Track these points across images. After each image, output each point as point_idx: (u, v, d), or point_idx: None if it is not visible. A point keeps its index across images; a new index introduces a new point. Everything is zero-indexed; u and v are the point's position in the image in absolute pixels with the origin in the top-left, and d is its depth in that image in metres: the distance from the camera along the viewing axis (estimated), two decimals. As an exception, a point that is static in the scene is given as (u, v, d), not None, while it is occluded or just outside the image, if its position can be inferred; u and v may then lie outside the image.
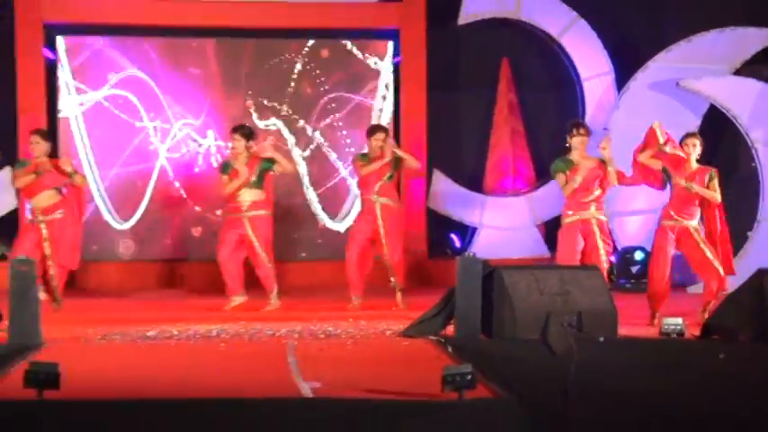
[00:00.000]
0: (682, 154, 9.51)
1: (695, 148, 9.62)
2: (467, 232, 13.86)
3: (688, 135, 9.80)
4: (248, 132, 10.60)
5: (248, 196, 10.39)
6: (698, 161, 9.66)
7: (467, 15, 13.47)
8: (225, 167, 10.56)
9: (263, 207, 10.49)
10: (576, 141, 9.82)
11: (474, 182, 13.94)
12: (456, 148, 14.10)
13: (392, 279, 10.63)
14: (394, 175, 10.68)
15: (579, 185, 9.69)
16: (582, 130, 9.87)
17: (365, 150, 10.87)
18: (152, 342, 8.22)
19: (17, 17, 12.90)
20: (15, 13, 12.89)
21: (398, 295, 10.62)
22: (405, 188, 13.33)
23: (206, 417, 5.47)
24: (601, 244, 9.66)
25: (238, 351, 7.78)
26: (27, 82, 12.94)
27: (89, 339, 8.29)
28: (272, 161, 10.49)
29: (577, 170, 9.67)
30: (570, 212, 9.79)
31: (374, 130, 10.76)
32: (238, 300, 10.48)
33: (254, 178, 10.39)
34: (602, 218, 9.81)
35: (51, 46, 13.21)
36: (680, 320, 8.21)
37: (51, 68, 13.20)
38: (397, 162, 10.54)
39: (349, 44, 13.59)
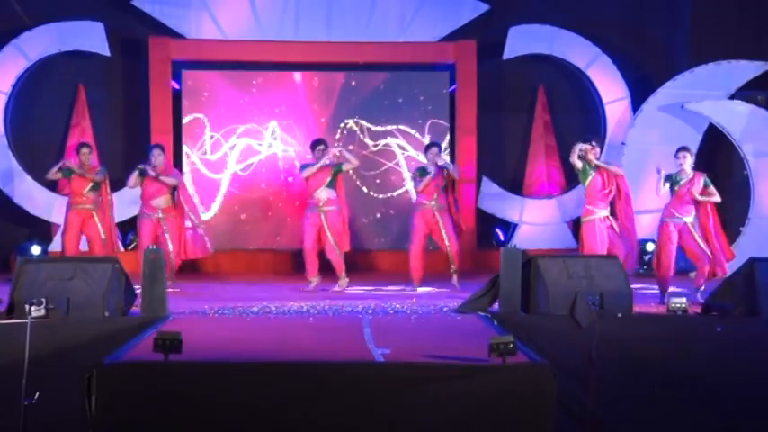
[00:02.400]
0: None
1: (686, 159, 9.61)
2: (509, 227, 13.75)
3: (680, 149, 9.80)
4: (326, 142, 10.68)
5: (324, 195, 10.34)
6: (693, 168, 9.65)
7: (510, 51, 13.37)
8: (305, 168, 10.48)
9: (335, 203, 10.41)
10: (590, 156, 9.75)
11: (515, 186, 13.83)
12: (501, 159, 14.02)
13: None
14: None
15: (599, 189, 9.62)
16: (593, 142, 9.80)
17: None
18: (255, 316, 8.26)
19: (151, 56, 12.97)
20: (150, 52, 12.97)
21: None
22: (458, 191, 13.25)
23: (298, 376, 5.48)
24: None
25: (324, 324, 7.79)
26: (158, 108, 12.98)
27: (205, 313, 8.35)
28: (341, 165, 10.45)
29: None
30: (592, 209, 9.71)
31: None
32: (315, 281, 10.39)
33: (329, 179, 10.34)
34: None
35: (177, 79, 13.30)
36: (684, 299, 8.10)
37: (177, 97, 13.27)
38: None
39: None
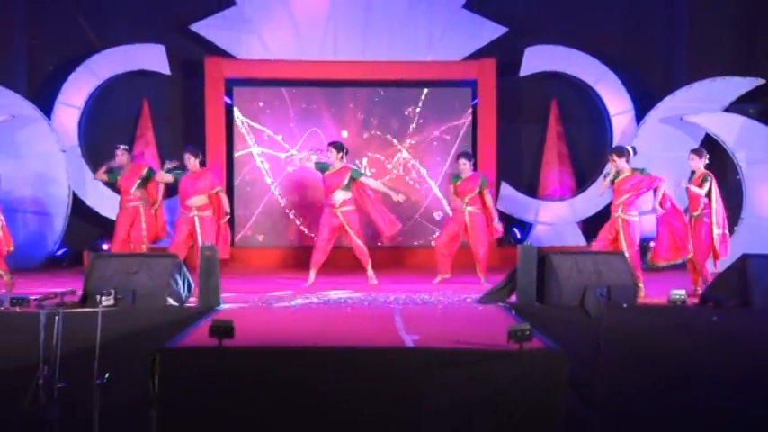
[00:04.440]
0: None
1: (692, 161, 9.47)
2: (526, 227, 13.70)
3: (690, 151, 9.66)
4: (341, 147, 10.35)
5: (340, 196, 10.12)
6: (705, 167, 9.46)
7: (526, 69, 13.31)
8: (323, 167, 10.27)
9: (351, 203, 10.19)
10: (613, 165, 9.45)
11: (531, 190, 13.78)
12: (518, 165, 13.97)
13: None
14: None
15: (615, 193, 9.36)
16: (613, 155, 9.45)
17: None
18: (298, 306, 8.28)
19: (206, 74, 13.07)
20: (205, 71, 13.07)
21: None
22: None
23: (338, 360, 5.48)
24: (623, 239, 9.20)
25: (360, 313, 7.80)
26: (212, 121, 13.07)
27: (254, 303, 8.38)
28: (358, 172, 10.32)
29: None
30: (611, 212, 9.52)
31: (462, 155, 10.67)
32: (314, 274, 10.11)
33: (345, 182, 10.11)
34: (627, 218, 9.25)
35: (230, 95, 13.38)
36: (683, 291, 8.03)
37: (229, 111, 13.36)
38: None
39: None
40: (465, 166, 10.43)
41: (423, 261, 12.66)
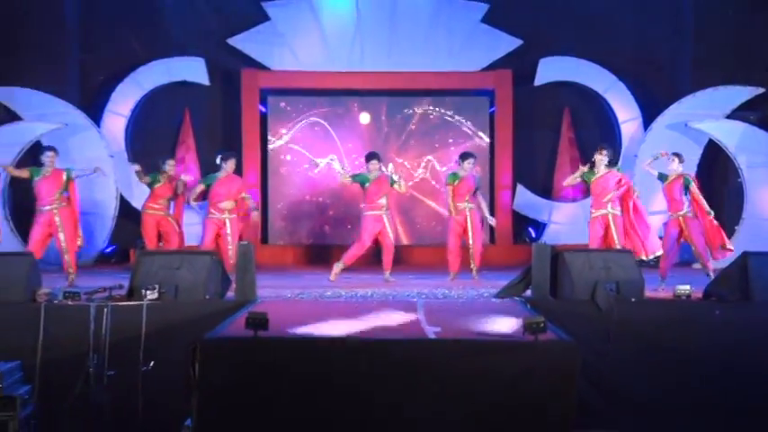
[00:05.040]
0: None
1: (673, 162, 9.54)
2: (540, 226, 13.66)
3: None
4: (380, 156, 10.41)
5: (384, 201, 10.02)
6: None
7: (540, 79, 13.29)
8: (363, 178, 10.11)
9: (389, 208, 10.17)
10: (597, 159, 9.58)
11: (545, 192, 13.73)
12: (533, 169, 13.91)
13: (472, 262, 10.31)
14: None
15: (599, 190, 9.45)
16: (602, 151, 9.55)
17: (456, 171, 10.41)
18: (328, 300, 8.30)
19: (243, 85, 13.19)
20: (242, 82, 13.18)
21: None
22: (497, 196, 13.25)
23: (363, 350, 5.50)
24: (614, 232, 9.29)
25: (385, 306, 7.78)
26: (248, 127, 13.17)
27: (287, 298, 8.40)
28: (394, 181, 10.14)
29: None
30: (593, 210, 9.56)
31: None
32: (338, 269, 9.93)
33: (388, 188, 10.06)
34: (616, 213, 9.41)
35: (264, 103, 13.44)
36: (688, 286, 7.95)
37: (264, 118, 13.42)
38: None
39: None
40: (470, 165, 10.28)
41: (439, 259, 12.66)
